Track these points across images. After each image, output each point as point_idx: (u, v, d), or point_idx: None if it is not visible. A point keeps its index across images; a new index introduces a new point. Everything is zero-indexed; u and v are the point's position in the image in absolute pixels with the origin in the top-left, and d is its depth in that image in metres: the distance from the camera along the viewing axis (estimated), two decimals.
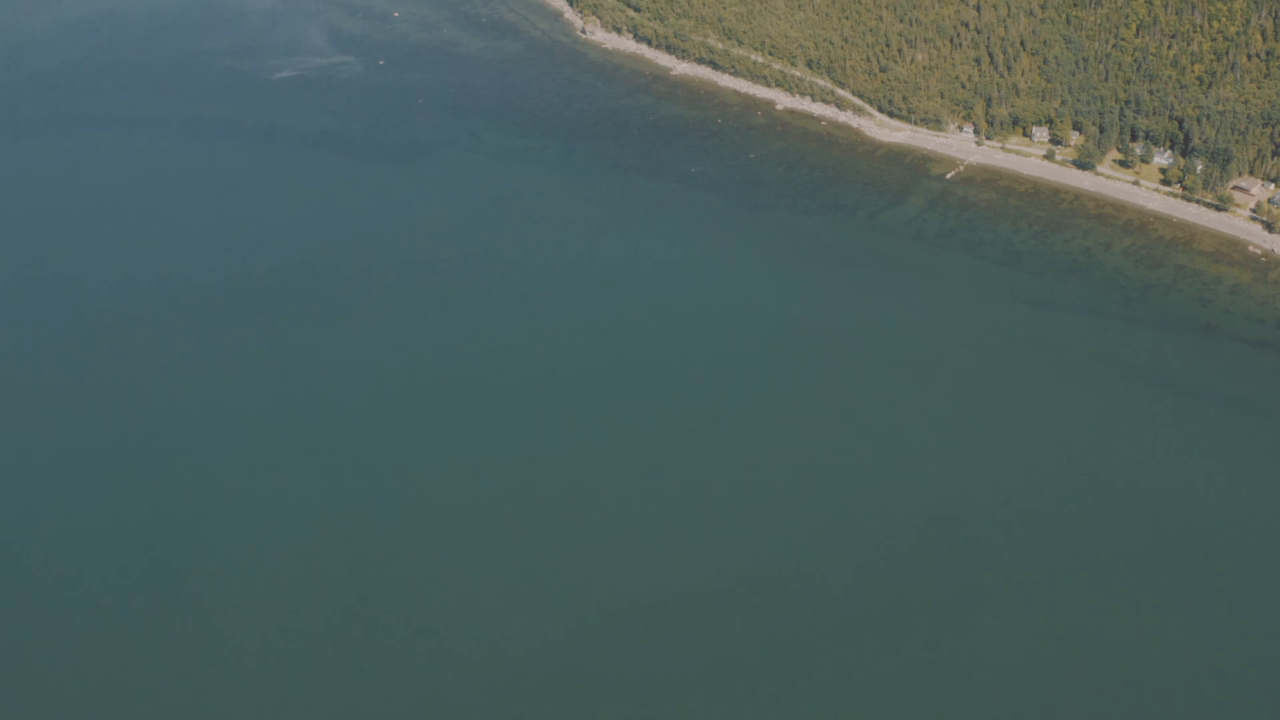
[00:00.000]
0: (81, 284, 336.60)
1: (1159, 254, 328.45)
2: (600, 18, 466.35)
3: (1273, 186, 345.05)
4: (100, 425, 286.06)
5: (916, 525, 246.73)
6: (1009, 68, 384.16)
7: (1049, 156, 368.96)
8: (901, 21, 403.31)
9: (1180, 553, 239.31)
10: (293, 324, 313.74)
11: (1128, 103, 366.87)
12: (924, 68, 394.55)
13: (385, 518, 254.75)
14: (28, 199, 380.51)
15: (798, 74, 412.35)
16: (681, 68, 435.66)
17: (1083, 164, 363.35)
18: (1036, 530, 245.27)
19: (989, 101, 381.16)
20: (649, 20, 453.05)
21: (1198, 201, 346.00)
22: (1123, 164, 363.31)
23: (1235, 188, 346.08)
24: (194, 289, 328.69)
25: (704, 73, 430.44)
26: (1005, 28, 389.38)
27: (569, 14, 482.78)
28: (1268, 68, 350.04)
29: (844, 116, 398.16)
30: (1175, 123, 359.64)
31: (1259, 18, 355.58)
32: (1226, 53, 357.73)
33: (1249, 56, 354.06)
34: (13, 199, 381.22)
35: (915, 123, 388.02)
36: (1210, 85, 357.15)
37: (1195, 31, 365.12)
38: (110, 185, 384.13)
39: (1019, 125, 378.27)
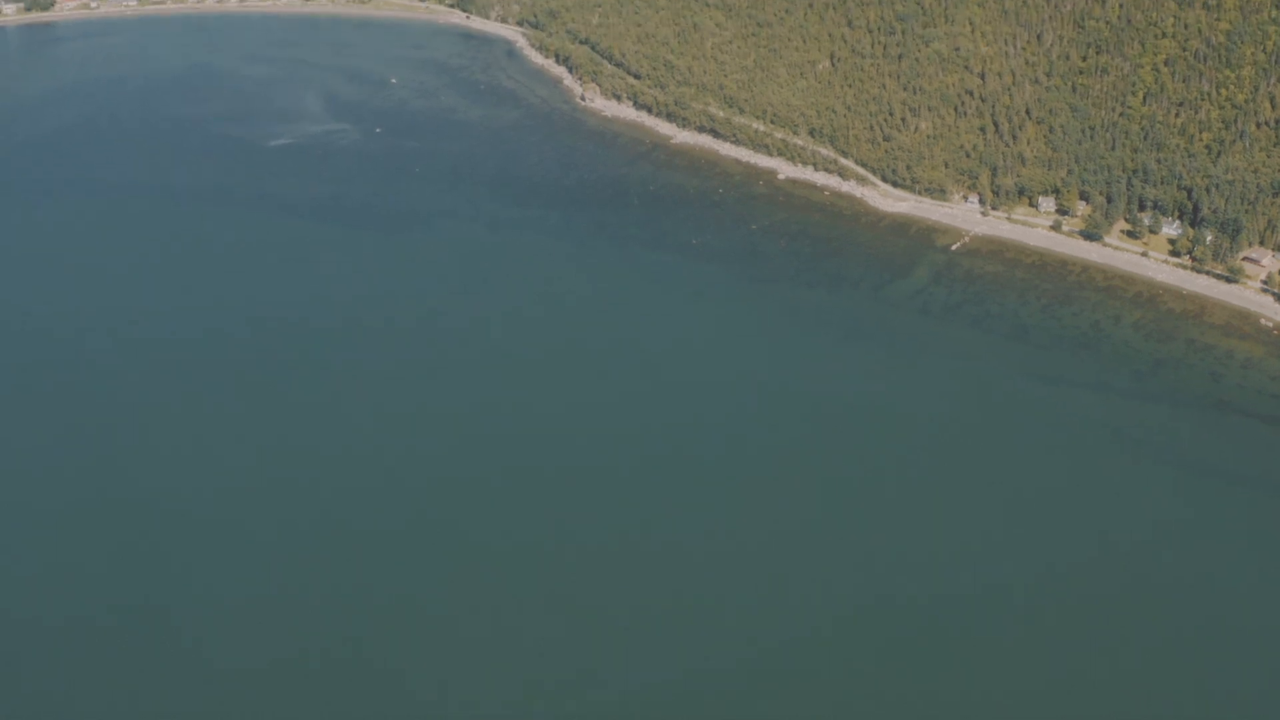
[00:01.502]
0: (68, 346, 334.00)
1: (1169, 327, 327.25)
2: (600, 85, 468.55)
3: None
4: (82, 481, 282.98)
5: (919, 604, 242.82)
6: (1014, 136, 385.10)
7: (1056, 227, 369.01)
8: (905, 90, 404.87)
9: (1194, 636, 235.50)
10: (283, 391, 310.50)
11: (1135, 172, 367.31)
12: (928, 136, 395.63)
13: (372, 590, 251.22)
14: (17, 264, 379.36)
15: (800, 143, 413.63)
16: (682, 136, 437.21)
17: (1090, 235, 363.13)
18: (1043, 611, 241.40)
19: (994, 171, 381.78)
20: (649, 88, 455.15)
21: (1208, 273, 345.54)
22: (1131, 234, 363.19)
23: (1246, 259, 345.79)
24: (181, 357, 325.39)
25: (705, 141, 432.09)
26: (1010, 96, 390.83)
27: (568, 81, 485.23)
28: (1277, 136, 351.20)
29: (847, 186, 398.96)
30: (1184, 192, 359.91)
31: (1268, 85, 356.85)
32: (1235, 121, 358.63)
33: (1258, 125, 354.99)
34: (2, 264, 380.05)
35: (919, 192, 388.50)
36: (1219, 154, 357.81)
37: (1203, 99, 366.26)
38: (100, 251, 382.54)
39: (1025, 195, 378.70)
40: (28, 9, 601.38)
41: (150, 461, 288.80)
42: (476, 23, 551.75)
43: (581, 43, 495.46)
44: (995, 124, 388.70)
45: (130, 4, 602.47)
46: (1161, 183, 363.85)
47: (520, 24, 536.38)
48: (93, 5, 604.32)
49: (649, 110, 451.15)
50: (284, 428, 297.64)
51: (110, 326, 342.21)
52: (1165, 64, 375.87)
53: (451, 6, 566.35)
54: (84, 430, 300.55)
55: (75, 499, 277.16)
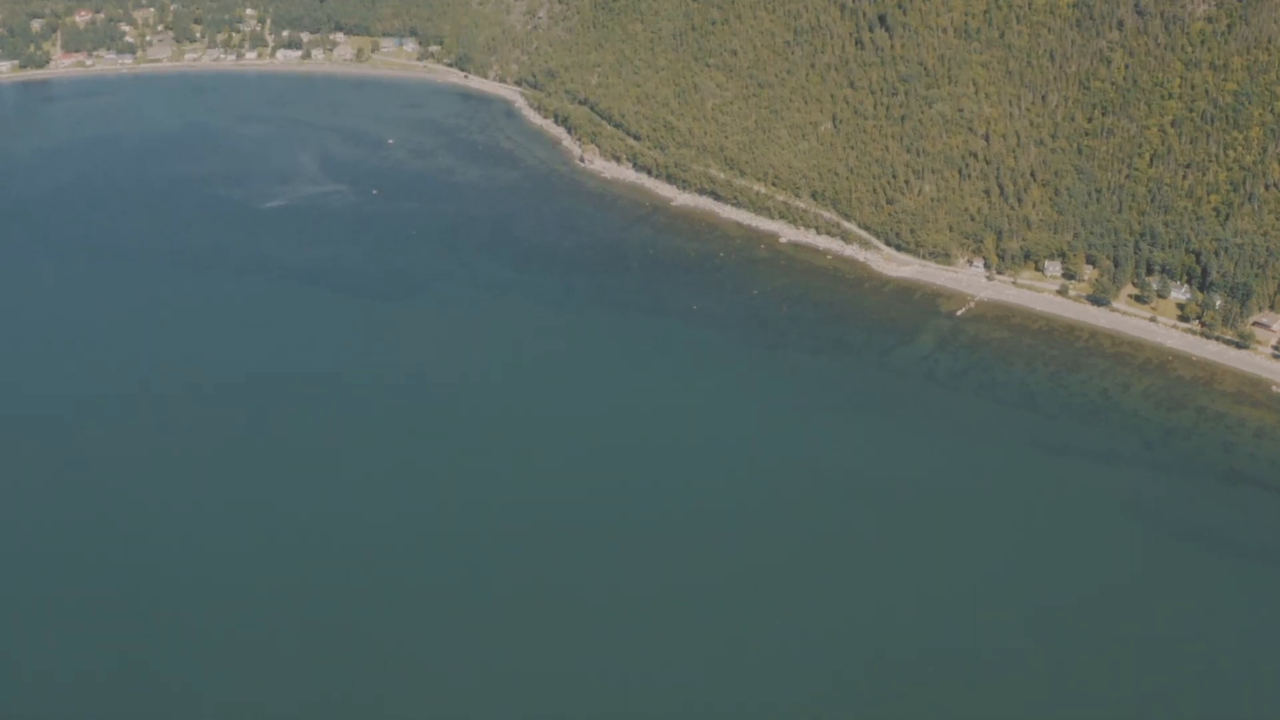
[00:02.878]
0: (55, 408, 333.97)
1: (1179, 395, 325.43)
2: (599, 146, 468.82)
3: None
4: (70, 538, 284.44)
5: (923, 682, 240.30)
6: (1019, 199, 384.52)
7: (1062, 292, 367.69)
8: (908, 152, 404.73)
9: (1207, 713, 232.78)
10: (275, 457, 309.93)
11: (1143, 235, 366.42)
12: (932, 199, 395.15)
13: (363, 646, 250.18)
14: (6, 328, 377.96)
15: (802, 205, 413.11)
16: (683, 198, 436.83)
17: (1098, 300, 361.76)
18: (1051, 686, 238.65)
19: (999, 234, 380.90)
20: (649, 149, 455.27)
21: (1217, 339, 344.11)
22: (1139, 299, 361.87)
23: (1256, 324, 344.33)
24: (172, 420, 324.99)
25: (705, 204, 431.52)
26: (1015, 158, 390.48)
27: (567, 141, 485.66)
28: None
29: (850, 250, 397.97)
30: (1192, 256, 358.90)
31: (1276, 146, 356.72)
32: (1243, 183, 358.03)
33: (1266, 187, 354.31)
34: None
35: (923, 257, 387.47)
36: (1227, 217, 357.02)
37: (1211, 161, 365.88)
38: (91, 314, 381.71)
39: (1031, 259, 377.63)
40: (23, 66, 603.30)
41: (139, 522, 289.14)
42: (475, 82, 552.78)
43: (580, 103, 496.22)
44: (1000, 187, 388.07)
45: (126, 62, 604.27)
46: (1169, 246, 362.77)
47: (519, 84, 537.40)
48: (88, 63, 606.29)
49: (649, 172, 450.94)
50: (276, 494, 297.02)
51: (98, 389, 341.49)
52: (1172, 125, 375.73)
53: (449, 66, 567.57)
54: (72, 490, 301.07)
55: (63, 556, 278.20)
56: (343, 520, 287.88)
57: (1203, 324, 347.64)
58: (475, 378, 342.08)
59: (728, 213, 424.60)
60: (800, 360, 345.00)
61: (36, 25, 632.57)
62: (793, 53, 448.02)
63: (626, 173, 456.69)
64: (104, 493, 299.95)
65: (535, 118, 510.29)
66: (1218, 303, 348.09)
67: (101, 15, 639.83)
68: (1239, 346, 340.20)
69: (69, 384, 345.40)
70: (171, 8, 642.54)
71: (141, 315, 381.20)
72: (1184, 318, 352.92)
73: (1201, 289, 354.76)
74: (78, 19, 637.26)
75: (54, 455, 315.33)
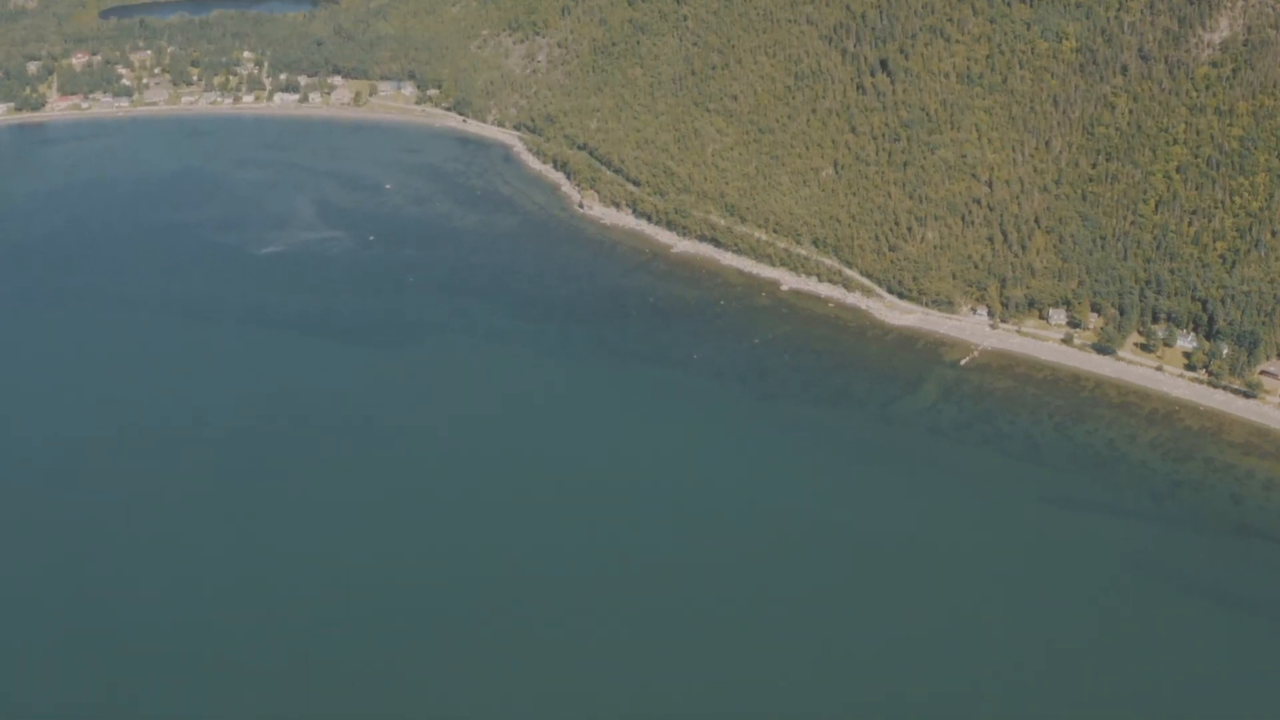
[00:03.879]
0: (43, 456, 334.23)
1: (1187, 446, 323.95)
2: (598, 192, 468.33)
3: None
4: (59, 585, 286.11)
5: None
6: (1023, 246, 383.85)
7: (1067, 340, 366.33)
8: (910, 198, 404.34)
9: None
10: (265, 510, 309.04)
11: (1148, 283, 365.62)
12: (934, 247, 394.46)
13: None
14: None
15: (803, 252, 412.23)
16: (683, 245, 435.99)
17: (1103, 348, 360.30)
18: None
19: (1003, 282, 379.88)
20: (649, 195, 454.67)
21: (1225, 388, 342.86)
22: (1145, 348, 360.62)
23: (1264, 373, 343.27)
24: (161, 472, 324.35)
25: (706, 250, 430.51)
26: (1019, 204, 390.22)
27: (566, 187, 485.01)
28: None
29: (852, 298, 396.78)
30: (1199, 303, 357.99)
31: None
32: (1250, 230, 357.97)
33: (1273, 233, 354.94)
34: None
35: (926, 304, 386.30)
36: (1234, 264, 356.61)
37: (1217, 207, 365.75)
38: (82, 361, 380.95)
39: (1035, 307, 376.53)
40: (18, 109, 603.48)
41: (131, 571, 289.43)
42: (473, 126, 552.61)
43: (580, 148, 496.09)
44: (1004, 233, 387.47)
45: (122, 105, 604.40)
46: (1175, 294, 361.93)
47: (518, 128, 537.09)
48: (84, 106, 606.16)
49: (648, 218, 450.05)
50: (266, 540, 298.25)
51: (85, 434, 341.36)
52: (1177, 171, 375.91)
53: (448, 110, 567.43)
54: (58, 535, 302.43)
55: (51, 601, 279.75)
56: (334, 568, 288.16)
57: (1210, 373, 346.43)
58: (471, 428, 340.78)
59: (728, 259, 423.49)
60: (802, 411, 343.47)
61: (33, 68, 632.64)
62: (793, 98, 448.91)
63: (626, 219, 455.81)
64: (90, 539, 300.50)
65: (534, 163, 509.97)
66: (1225, 351, 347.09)
67: (98, 58, 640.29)
68: (1246, 396, 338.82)
69: (57, 428, 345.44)
70: (169, 51, 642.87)
71: (133, 361, 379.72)
72: (1190, 367, 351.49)
73: (1208, 337, 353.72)
74: (74, 61, 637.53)
75: (39, 500, 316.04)
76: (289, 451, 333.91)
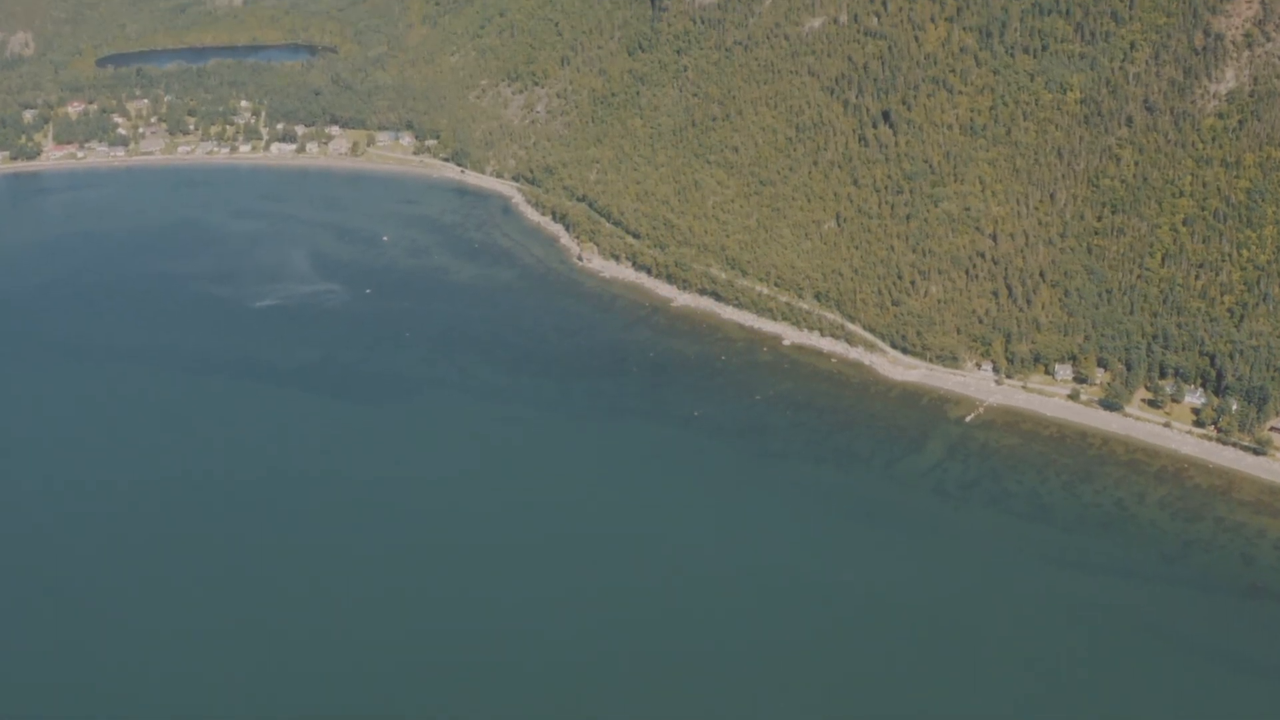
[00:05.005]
0: (30, 517, 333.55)
1: (1196, 505, 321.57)
2: (598, 244, 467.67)
3: None
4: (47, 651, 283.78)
5: None
6: (1028, 301, 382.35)
7: (1074, 396, 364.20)
8: (914, 252, 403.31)
9: None
10: (257, 573, 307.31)
11: (1155, 337, 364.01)
12: (938, 301, 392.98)
13: None
14: None
15: (805, 307, 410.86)
16: (683, 299, 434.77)
17: (1110, 404, 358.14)
18: None
19: (1008, 337, 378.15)
20: (649, 248, 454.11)
21: (1234, 445, 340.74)
22: (1152, 404, 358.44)
23: (1274, 429, 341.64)
24: (148, 533, 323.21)
25: (706, 304, 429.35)
26: (1024, 258, 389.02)
27: (565, 239, 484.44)
28: None
29: (855, 353, 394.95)
30: (1206, 358, 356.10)
31: None
32: (1258, 283, 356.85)
33: None
34: None
35: (930, 360, 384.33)
36: (1242, 318, 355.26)
37: (1224, 261, 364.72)
38: (71, 419, 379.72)
39: (1041, 362, 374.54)
40: (13, 158, 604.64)
41: (118, 628, 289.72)
42: (472, 177, 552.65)
43: (579, 200, 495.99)
44: (1008, 287, 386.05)
45: (118, 154, 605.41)
46: (1183, 348, 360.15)
47: (516, 179, 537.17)
48: (80, 155, 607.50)
49: (648, 271, 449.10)
50: (251, 600, 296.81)
51: (76, 492, 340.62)
52: (1184, 224, 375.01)
53: (446, 160, 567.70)
54: (47, 591, 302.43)
55: (37, 649, 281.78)
56: (328, 626, 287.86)
57: (1219, 429, 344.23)
58: (469, 486, 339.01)
59: (729, 314, 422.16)
60: (805, 471, 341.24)
61: (28, 116, 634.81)
62: (795, 150, 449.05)
63: (625, 272, 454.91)
64: (77, 594, 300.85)
65: (533, 214, 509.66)
66: (1234, 407, 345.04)
67: (94, 106, 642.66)
68: (1256, 453, 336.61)
69: (45, 482, 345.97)
70: (165, 100, 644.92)
71: (123, 415, 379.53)
72: (1199, 423, 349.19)
73: (1217, 393, 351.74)
74: (70, 110, 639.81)
75: (26, 556, 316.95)
76: (281, 508, 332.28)
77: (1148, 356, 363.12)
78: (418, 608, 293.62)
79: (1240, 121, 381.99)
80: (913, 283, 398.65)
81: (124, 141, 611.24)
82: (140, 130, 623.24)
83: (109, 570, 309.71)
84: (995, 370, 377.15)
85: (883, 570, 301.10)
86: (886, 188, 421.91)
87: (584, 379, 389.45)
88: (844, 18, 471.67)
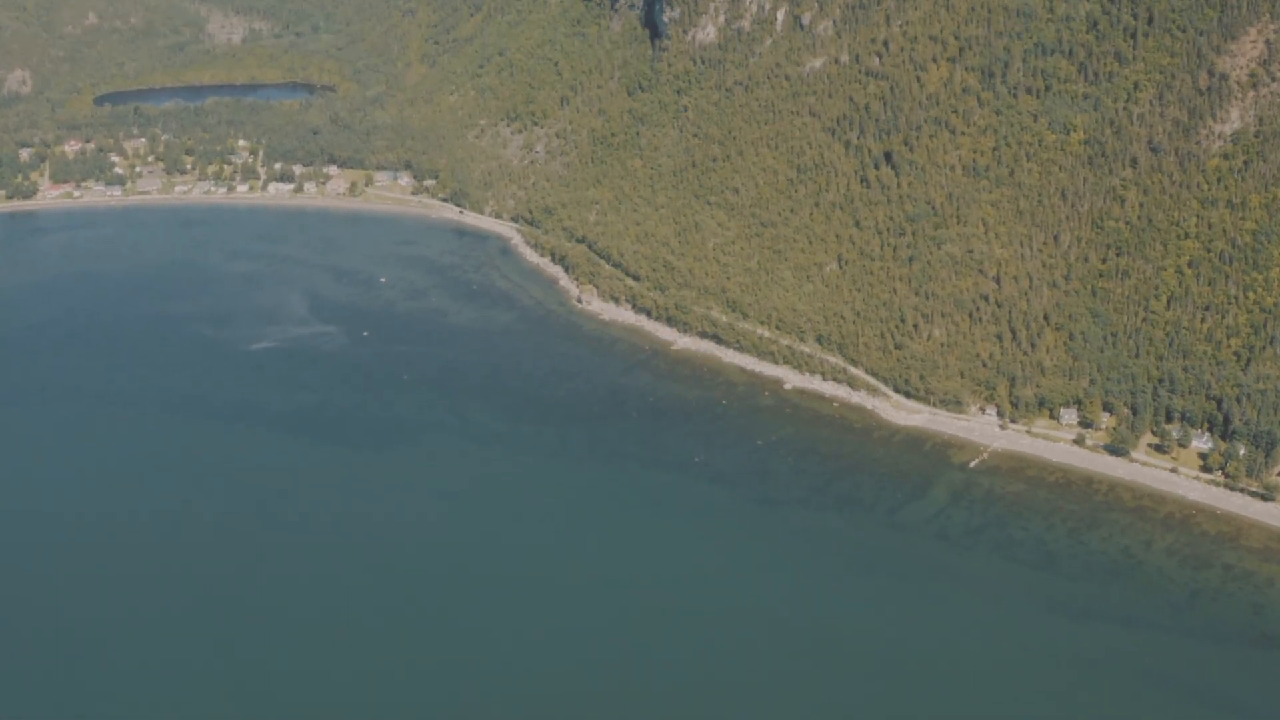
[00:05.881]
0: (18, 560, 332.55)
1: (1205, 552, 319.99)
2: (597, 286, 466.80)
3: None
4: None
5: None
6: (1033, 344, 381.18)
7: (1079, 441, 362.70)
8: (917, 295, 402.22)
9: None
10: (245, 636, 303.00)
11: (1161, 381, 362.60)
12: (942, 345, 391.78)
13: None
14: None
15: (807, 350, 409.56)
16: (683, 341, 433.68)
17: (1116, 449, 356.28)
18: None
19: (1012, 381, 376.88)
20: (649, 290, 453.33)
21: (1242, 490, 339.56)
22: (1159, 448, 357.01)
23: None
24: (138, 580, 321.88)
25: (707, 347, 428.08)
26: (1028, 301, 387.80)
27: (564, 281, 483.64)
28: None
29: (857, 397, 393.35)
30: (1213, 402, 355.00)
31: None
32: (1265, 326, 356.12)
33: None
34: None
35: (934, 404, 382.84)
36: (1249, 361, 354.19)
37: (1230, 303, 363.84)
38: (63, 463, 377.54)
39: (1045, 407, 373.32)
40: (10, 197, 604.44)
41: (109, 675, 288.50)
42: (470, 218, 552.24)
43: (578, 241, 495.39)
44: (1012, 331, 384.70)
45: (115, 194, 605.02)
46: (1189, 392, 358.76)
47: (515, 220, 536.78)
48: (76, 194, 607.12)
49: (648, 314, 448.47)
50: (251, 661, 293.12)
51: (65, 539, 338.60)
52: (1189, 266, 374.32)
53: (445, 200, 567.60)
54: (36, 637, 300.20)
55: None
56: (323, 677, 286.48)
57: (1226, 475, 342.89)
58: (467, 534, 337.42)
59: (730, 357, 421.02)
60: (807, 518, 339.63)
61: (25, 154, 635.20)
62: (796, 191, 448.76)
63: (625, 314, 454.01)
64: (66, 643, 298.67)
65: (532, 255, 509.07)
66: (1241, 452, 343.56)
67: (91, 145, 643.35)
68: (1265, 499, 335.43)
69: (35, 530, 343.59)
70: (163, 139, 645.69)
71: (115, 461, 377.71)
72: (1206, 468, 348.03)
73: (1224, 437, 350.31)
74: (67, 149, 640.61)
75: (13, 603, 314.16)
76: (276, 556, 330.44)
77: (1154, 400, 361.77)
78: (414, 654, 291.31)
79: (1246, 162, 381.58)
80: (915, 326, 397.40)
81: (121, 181, 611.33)
82: (137, 169, 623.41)
83: (96, 623, 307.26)
84: (999, 415, 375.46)
85: (886, 618, 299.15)
86: (889, 229, 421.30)
87: (583, 424, 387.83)
88: (845, 58, 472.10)
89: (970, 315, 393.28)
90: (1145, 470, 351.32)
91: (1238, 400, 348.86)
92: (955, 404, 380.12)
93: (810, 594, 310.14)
